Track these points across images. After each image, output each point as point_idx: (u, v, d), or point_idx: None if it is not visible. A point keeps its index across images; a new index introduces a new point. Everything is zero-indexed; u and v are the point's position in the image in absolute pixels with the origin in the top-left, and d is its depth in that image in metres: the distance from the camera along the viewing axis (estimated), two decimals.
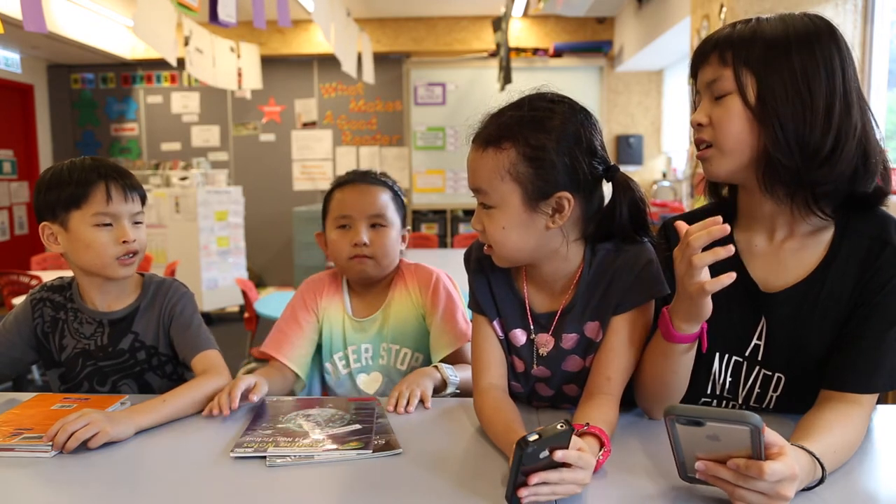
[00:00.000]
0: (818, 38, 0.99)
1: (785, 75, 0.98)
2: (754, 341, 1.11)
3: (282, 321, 1.55)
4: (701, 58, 1.07)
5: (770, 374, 1.10)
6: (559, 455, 0.82)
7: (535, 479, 0.81)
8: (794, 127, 0.98)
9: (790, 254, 1.08)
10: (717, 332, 1.12)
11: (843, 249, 1.04)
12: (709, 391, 1.16)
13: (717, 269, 1.12)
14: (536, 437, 0.80)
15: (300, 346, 1.51)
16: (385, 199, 1.50)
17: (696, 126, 1.08)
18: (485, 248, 1.14)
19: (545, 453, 0.82)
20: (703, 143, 1.08)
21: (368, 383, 1.53)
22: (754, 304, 1.10)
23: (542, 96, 1.09)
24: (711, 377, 1.15)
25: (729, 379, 1.14)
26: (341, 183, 1.53)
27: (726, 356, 1.13)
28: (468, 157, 1.11)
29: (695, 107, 1.11)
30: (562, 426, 0.81)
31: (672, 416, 0.79)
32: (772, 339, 1.09)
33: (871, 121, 1.02)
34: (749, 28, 1.02)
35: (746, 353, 1.12)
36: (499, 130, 1.06)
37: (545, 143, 1.04)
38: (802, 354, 1.07)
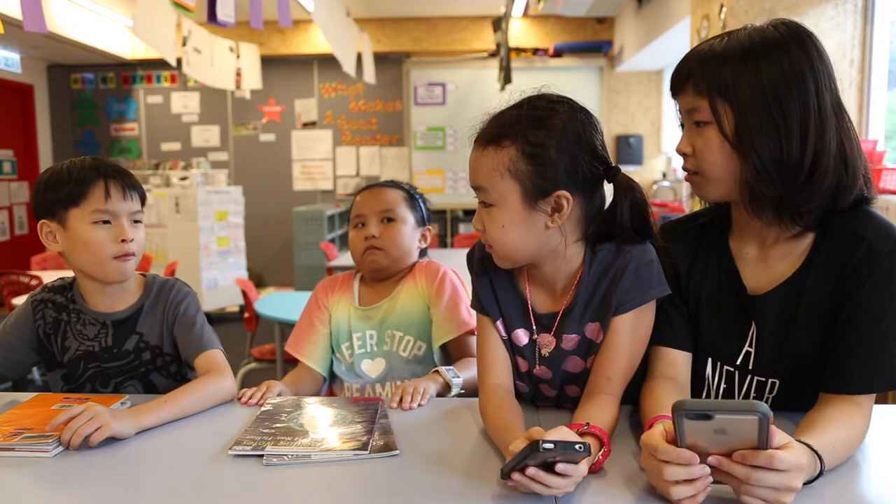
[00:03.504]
0: (786, 51, 0.98)
1: (757, 102, 0.97)
2: (745, 348, 1.11)
3: (300, 322, 1.65)
4: (677, 85, 1.07)
5: (764, 380, 1.10)
6: (560, 468, 0.83)
7: (531, 471, 0.83)
8: (772, 155, 0.98)
9: (777, 258, 1.08)
10: (709, 339, 1.13)
11: (824, 248, 1.04)
12: (703, 396, 1.16)
13: (717, 276, 1.13)
14: (552, 446, 0.81)
15: (319, 345, 1.60)
16: (395, 197, 1.60)
17: (682, 154, 1.09)
18: (486, 247, 1.14)
19: (552, 458, 0.84)
20: (690, 171, 1.09)
21: (372, 368, 1.57)
22: (744, 309, 1.10)
23: (543, 96, 1.10)
24: (706, 384, 1.15)
25: (724, 386, 1.14)
26: (360, 190, 1.65)
27: (718, 364, 1.14)
28: (470, 156, 1.12)
29: (682, 127, 1.11)
30: (580, 448, 0.82)
31: (681, 411, 0.78)
32: (762, 344, 1.09)
33: (849, 130, 1.01)
34: (719, 51, 1.01)
35: (738, 362, 1.11)
36: (499, 129, 1.07)
37: (545, 140, 1.04)
38: (793, 357, 1.07)
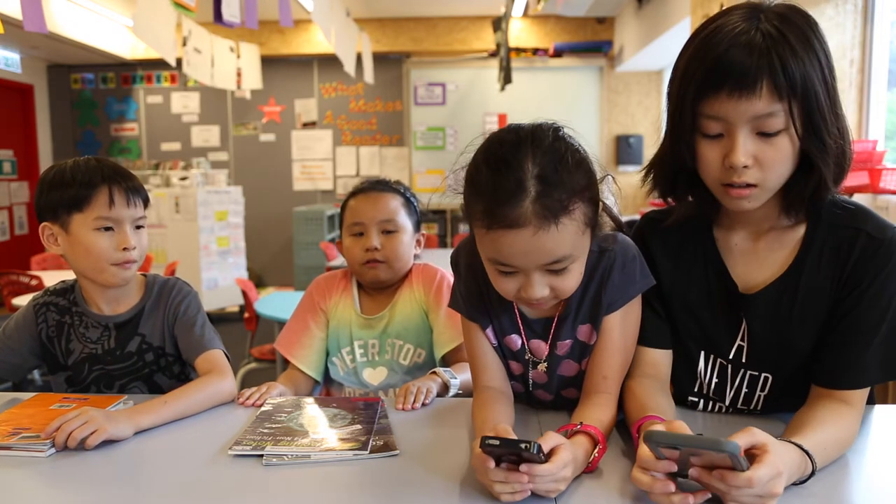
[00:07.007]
0: (816, 33, 0.93)
1: (821, 92, 0.91)
2: (738, 342, 1.10)
3: (293, 321, 1.63)
4: (745, 86, 0.89)
5: (757, 374, 1.10)
6: (523, 468, 0.83)
7: (498, 475, 0.84)
8: (833, 139, 0.94)
9: (767, 251, 1.07)
10: (701, 333, 1.12)
11: (817, 242, 1.03)
12: (695, 390, 1.16)
13: (704, 274, 1.11)
14: (497, 442, 0.82)
15: (313, 348, 1.58)
16: (395, 205, 1.57)
17: (741, 168, 0.94)
18: (543, 302, 1.03)
19: (513, 459, 0.84)
20: (749, 184, 0.95)
21: (374, 376, 1.57)
22: (735, 306, 1.09)
23: (542, 137, 0.98)
24: (698, 377, 1.14)
25: (715, 380, 1.13)
26: (355, 192, 1.61)
27: (711, 357, 1.13)
28: (522, 240, 0.94)
29: (692, 130, 0.97)
30: (526, 446, 0.81)
31: (650, 442, 0.81)
32: (754, 340, 1.08)
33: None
34: (785, 46, 0.89)
35: (730, 356, 1.11)
36: (561, 194, 0.94)
37: (588, 180, 0.99)
38: (788, 353, 1.06)
